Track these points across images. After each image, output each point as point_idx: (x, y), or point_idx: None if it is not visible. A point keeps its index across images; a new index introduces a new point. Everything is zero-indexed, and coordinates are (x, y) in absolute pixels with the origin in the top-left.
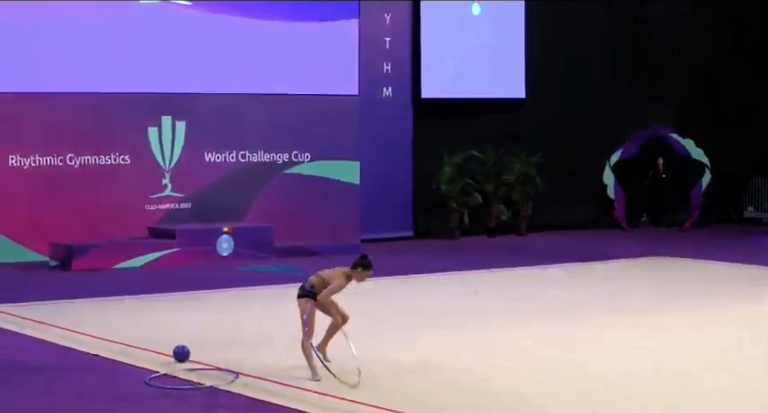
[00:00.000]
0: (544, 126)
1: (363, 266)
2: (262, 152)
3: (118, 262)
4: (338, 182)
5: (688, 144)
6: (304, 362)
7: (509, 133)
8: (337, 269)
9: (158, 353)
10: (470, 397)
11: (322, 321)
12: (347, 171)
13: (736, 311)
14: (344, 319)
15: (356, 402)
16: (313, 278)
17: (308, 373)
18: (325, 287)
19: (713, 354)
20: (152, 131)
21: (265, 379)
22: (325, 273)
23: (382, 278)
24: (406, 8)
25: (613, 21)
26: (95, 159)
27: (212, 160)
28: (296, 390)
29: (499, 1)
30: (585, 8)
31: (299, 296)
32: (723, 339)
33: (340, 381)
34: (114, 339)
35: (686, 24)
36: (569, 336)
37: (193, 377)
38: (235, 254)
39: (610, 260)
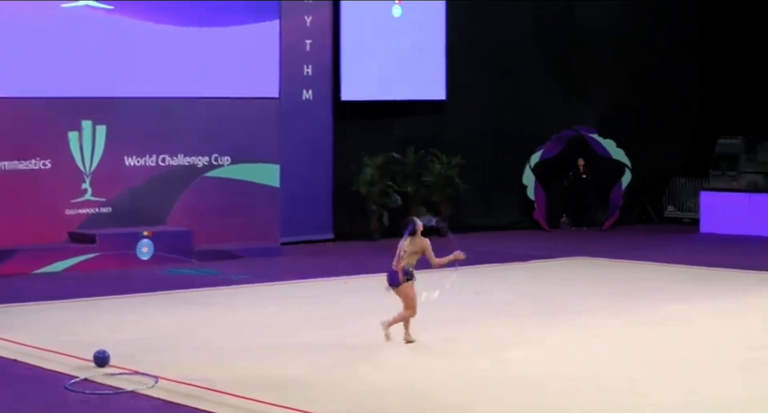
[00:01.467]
0: (465, 128)
1: (416, 228)
2: (183, 156)
3: (39, 267)
4: (259, 185)
5: (609, 145)
6: (223, 364)
7: (430, 135)
8: (415, 243)
9: (78, 358)
10: (397, 402)
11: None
12: (268, 174)
13: (660, 310)
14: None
15: (272, 404)
16: (406, 265)
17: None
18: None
19: (644, 354)
20: (72, 135)
21: (184, 383)
22: (413, 251)
23: (305, 280)
24: (327, 10)
25: (536, 22)
26: (15, 164)
27: (133, 164)
28: (214, 393)
29: (420, 2)
30: (507, 8)
31: (400, 284)
32: (652, 339)
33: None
34: (34, 344)
35: (611, 25)
36: (495, 339)
37: (112, 381)
38: (155, 258)
39: (533, 261)
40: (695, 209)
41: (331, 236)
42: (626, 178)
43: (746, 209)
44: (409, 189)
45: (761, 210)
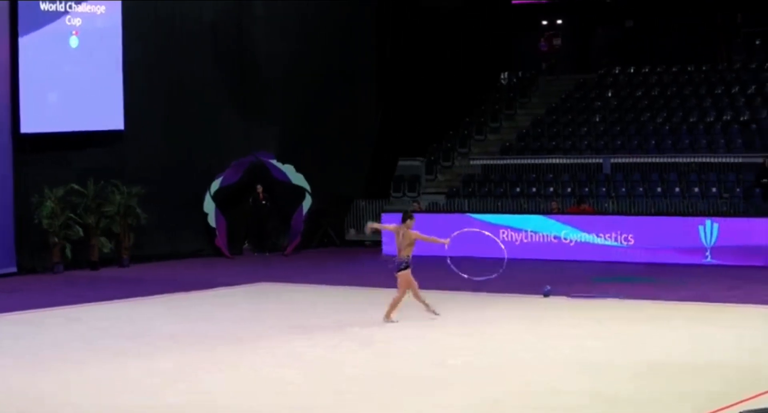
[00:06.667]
0: (144, 157)
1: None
2: None
3: None
4: None
5: (289, 169)
6: None
7: (110, 165)
8: (403, 231)
9: None
10: None
11: None
12: None
13: (347, 333)
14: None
15: None
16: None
17: None
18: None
19: (339, 377)
20: None
21: None
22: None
23: None
24: (4, 43)
25: (216, 48)
26: None
27: None
28: None
29: (97, 32)
30: (188, 35)
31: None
32: (344, 359)
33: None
34: None
35: (288, 52)
36: (182, 368)
37: None
38: None
39: (215, 289)
40: (377, 231)
41: (14, 269)
42: (307, 202)
43: (428, 230)
44: (90, 221)
45: (443, 230)
